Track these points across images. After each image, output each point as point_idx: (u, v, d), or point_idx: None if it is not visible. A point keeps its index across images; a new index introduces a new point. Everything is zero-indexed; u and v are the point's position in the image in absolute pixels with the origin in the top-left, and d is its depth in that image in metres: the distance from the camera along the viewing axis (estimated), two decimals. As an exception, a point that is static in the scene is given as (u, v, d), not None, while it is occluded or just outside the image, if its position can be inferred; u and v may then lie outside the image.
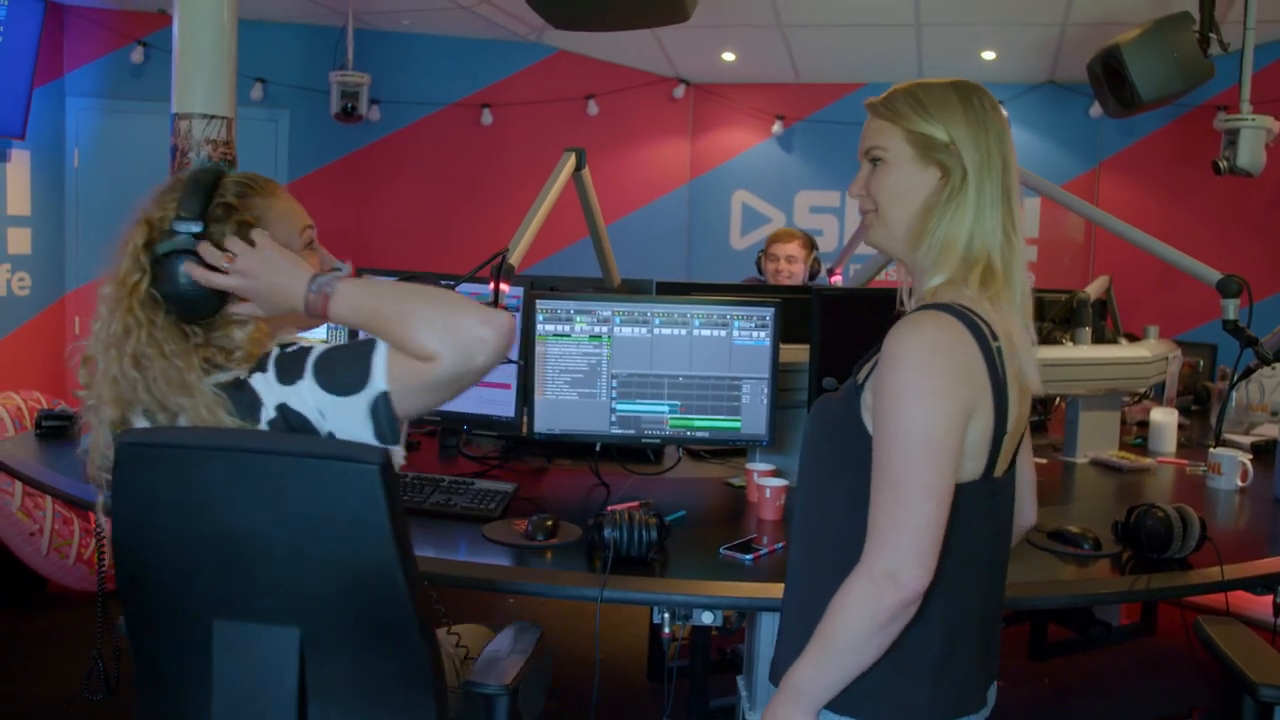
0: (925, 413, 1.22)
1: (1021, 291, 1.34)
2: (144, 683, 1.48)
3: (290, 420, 1.35)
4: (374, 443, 1.32)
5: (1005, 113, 1.38)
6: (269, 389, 1.36)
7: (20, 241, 5.10)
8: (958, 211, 1.32)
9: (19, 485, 3.53)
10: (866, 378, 1.33)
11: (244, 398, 1.36)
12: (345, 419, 1.32)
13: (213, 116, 3.64)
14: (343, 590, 1.36)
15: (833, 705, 1.30)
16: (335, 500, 1.30)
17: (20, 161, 5.07)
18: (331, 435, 1.34)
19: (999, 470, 1.34)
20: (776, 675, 1.38)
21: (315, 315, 1.36)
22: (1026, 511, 1.53)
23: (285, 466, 1.31)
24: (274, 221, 1.44)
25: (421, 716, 1.40)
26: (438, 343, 1.26)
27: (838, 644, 1.25)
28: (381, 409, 1.30)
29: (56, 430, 2.70)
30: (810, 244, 3.92)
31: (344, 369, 1.33)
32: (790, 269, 3.84)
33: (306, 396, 1.33)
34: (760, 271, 3.97)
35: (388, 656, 1.38)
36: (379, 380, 1.30)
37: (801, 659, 1.29)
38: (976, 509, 1.31)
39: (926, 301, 1.31)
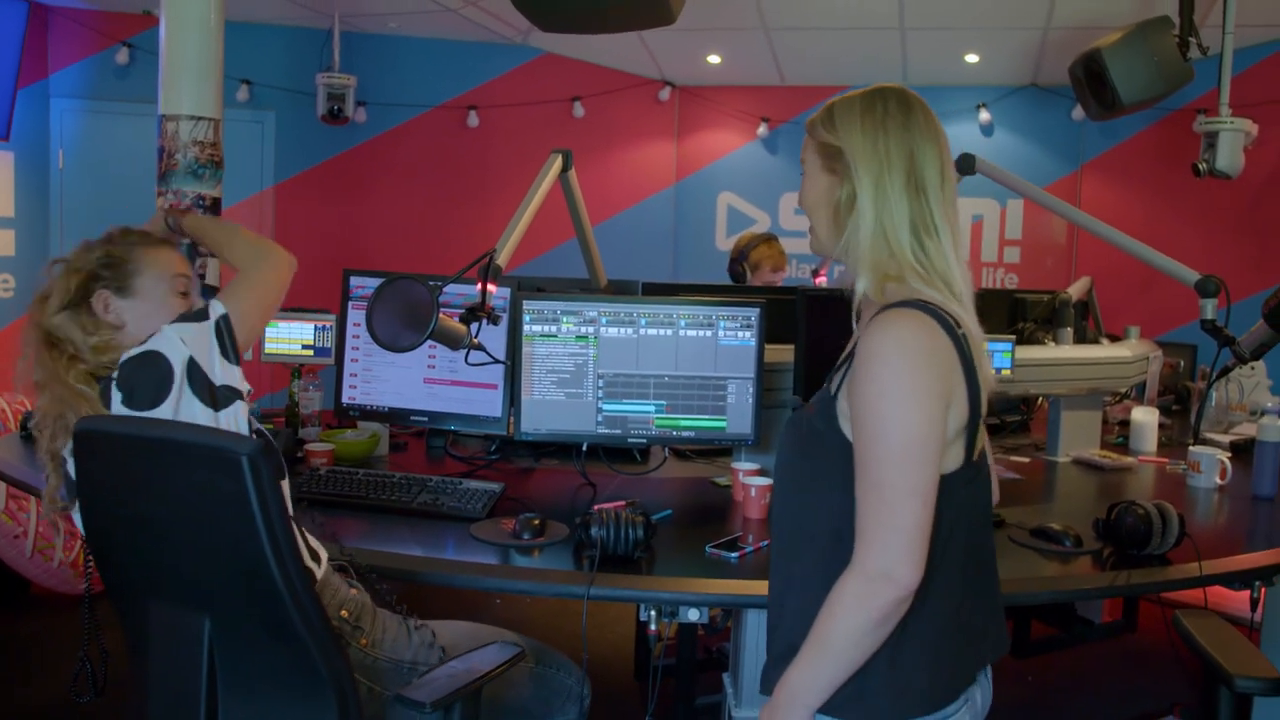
0: (905, 413, 1.23)
1: (964, 284, 1.34)
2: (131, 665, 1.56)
3: (141, 359, 1.59)
4: (219, 359, 1.63)
5: (928, 114, 1.36)
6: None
7: (4, 243, 5.07)
8: (857, 215, 1.34)
9: (3, 487, 3.51)
10: (839, 386, 1.34)
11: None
12: (195, 337, 1.63)
13: (200, 118, 3.64)
14: (233, 580, 1.39)
15: (827, 707, 1.30)
16: (213, 489, 1.36)
17: (4, 163, 5.04)
18: (191, 360, 1.58)
19: (976, 454, 1.35)
20: (767, 684, 1.38)
21: (176, 225, 2.05)
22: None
23: (174, 454, 1.39)
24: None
25: (324, 715, 1.42)
26: (246, 259, 1.84)
27: (833, 645, 1.26)
28: (224, 328, 1.67)
29: (42, 432, 2.68)
30: None
31: (194, 310, 1.71)
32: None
33: (169, 333, 1.62)
34: (739, 271, 4.01)
35: (279, 651, 1.40)
36: (218, 308, 1.69)
37: (795, 663, 1.30)
38: (960, 495, 1.33)
39: (893, 300, 1.31)
